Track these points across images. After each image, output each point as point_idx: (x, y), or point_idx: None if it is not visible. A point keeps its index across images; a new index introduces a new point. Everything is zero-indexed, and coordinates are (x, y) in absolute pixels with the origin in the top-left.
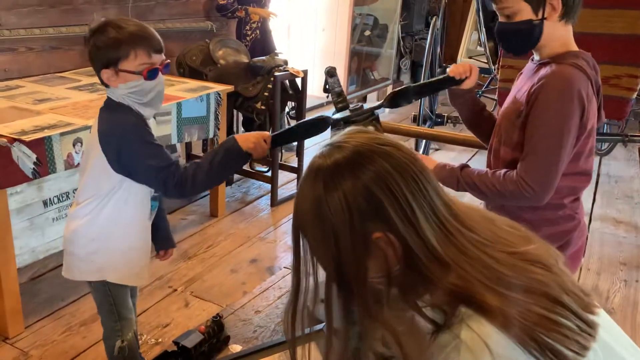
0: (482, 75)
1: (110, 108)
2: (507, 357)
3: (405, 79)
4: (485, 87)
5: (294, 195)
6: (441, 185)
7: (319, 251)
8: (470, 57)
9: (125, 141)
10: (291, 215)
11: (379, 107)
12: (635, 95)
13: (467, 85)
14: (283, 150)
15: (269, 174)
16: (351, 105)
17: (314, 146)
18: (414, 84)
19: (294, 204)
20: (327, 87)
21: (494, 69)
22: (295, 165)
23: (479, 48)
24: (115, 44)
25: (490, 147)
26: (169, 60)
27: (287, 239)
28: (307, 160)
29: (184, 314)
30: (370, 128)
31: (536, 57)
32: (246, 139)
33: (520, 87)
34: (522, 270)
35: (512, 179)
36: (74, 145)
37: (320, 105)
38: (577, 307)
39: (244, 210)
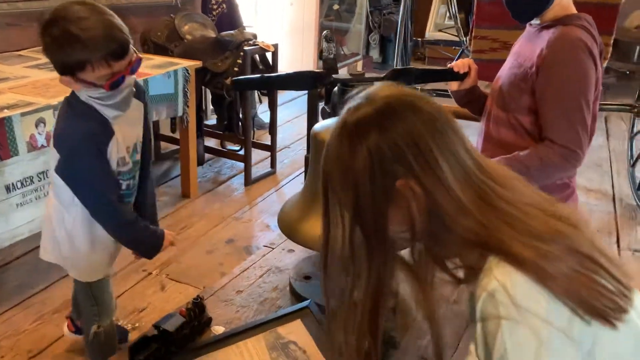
0: (453, 48)
1: (72, 105)
2: (531, 308)
3: (375, 54)
4: (457, 60)
5: (268, 174)
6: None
7: (343, 199)
8: (439, 31)
9: (75, 151)
10: (266, 195)
11: (377, 79)
12: (605, 64)
13: (468, 83)
14: (255, 128)
15: (242, 152)
16: (352, 71)
17: (287, 123)
18: (418, 67)
19: (323, 155)
20: (322, 51)
21: (466, 41)
22: (269, 143)
23: (447, 22)
24: (63, 52)
25: (488, 115)
26: (139, 57)
27: (263, 218)
28: (281, 138)
29: (160, 297)
30: None
31: (536, 21)
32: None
33: (521, 52)
34: (553, 225)
35: (547, 150)
36: (36, 126)
37: None
38: (614, 269)
39: (217, 190)
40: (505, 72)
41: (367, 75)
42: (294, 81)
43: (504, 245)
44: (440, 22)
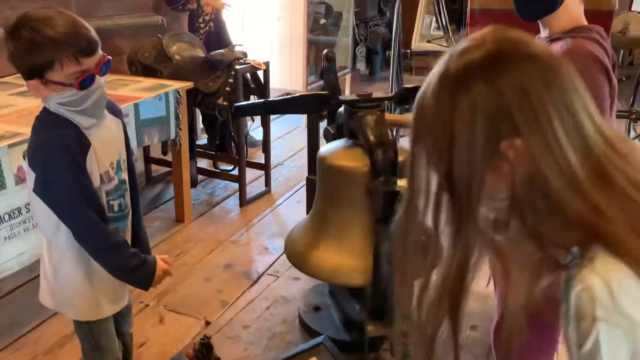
0: None
1: (43, 120)
2: (637, 317)
3: (362, 66)
4: None
5: (263, 193)
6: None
7: (433, 161)
8: (428, 42)
9: (50, 163)
10: (262, 215)
11: (386, 99)
12: None
13: None
14: (247, 147)
15: (235, 172)
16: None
17: (278, 140)
18: None
19: (414, 108)
20: (324, 71)
21: None
22: (262, 161)
23: (432, 32)
24: (33, 53)
25: None
26: (108, 57)
27: (261, 240)
28: (273, 155)
29: (159, 330)
30: (376, 117)
31: (544, 33)
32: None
33: None
34: None
35: None
36: (24, 157)
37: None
38: None
39: (211, 212)
40: None
41: (374, 95)
42: (299, 105)
43: (615, 236)
44: (425, 33)
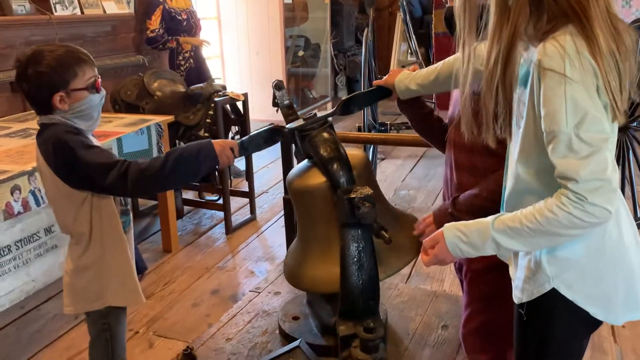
0: None
1: (43, 131)
2: (580, 78)
3: (343, 94)
4: None
5: (248, 220)
6: None
7: None
8: (402, 67)
9: (63, 149)
10: (248, 241)
11: (332, 114)
12: None
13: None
14: (232, 177)
15: (220, 201)
16: (305, 115)
17: (263, 169)
18: (362, 91)
19: None
20: (276, 100)
21: None
22: (247, 189)
23: (409, 58)
24: (61, 66)
25: (454, 145)
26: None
27: (247, 265)
28: (259, 184)
29: (149, 355)
30: (325, 135)
31: None
32: (216, 143)
33: None
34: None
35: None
36: (12, 194)
37: None
38: None
39: (198, 241)
40: (456, 110)
41: (318, 114)
42: (259, 141)
43: (588, 24)
44: (403, 59)
